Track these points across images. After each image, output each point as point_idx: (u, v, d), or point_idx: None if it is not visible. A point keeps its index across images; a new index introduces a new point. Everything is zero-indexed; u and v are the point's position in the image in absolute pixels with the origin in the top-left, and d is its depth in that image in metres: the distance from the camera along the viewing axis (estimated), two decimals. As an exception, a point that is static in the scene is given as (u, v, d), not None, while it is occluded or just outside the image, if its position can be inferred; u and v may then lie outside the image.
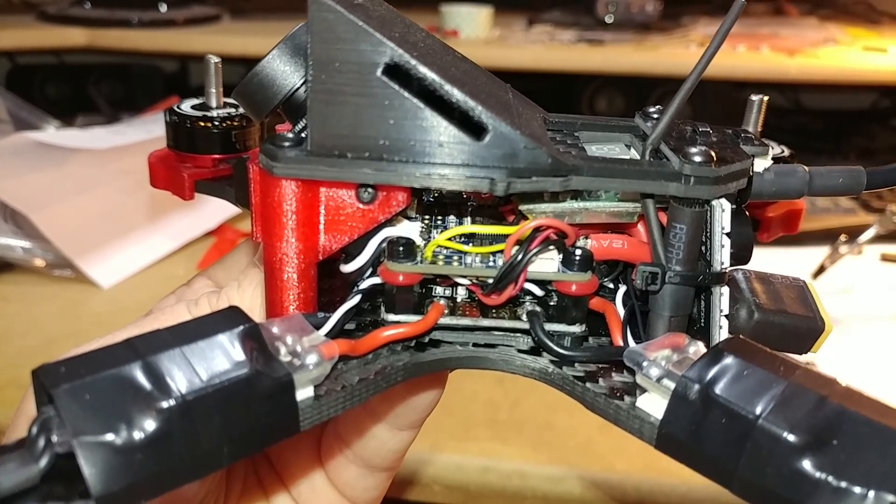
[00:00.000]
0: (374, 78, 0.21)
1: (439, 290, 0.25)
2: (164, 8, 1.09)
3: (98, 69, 1.20)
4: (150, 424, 0.18)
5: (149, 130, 0.82)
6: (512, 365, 0.25)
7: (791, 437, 0.19)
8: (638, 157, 0.25)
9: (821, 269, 0.75)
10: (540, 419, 0.56)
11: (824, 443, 0.19)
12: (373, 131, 0.22)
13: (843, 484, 0.18)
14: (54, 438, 0.18)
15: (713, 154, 0.23)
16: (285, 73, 0.23)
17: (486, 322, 0.25)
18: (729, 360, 0.21)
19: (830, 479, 0.18)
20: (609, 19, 1.08)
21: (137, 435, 0.18)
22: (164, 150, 0.32)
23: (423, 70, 0.21)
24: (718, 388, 0.20)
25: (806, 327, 0.26)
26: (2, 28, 1.03)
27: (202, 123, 0.31)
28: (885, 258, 0.79)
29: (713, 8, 1.22)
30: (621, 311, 0.25)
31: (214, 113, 0.31)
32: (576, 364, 0.24)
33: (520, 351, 0.25)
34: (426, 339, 0.24)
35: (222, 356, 0.20)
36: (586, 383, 0.23)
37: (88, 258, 0.73)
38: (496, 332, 0.25)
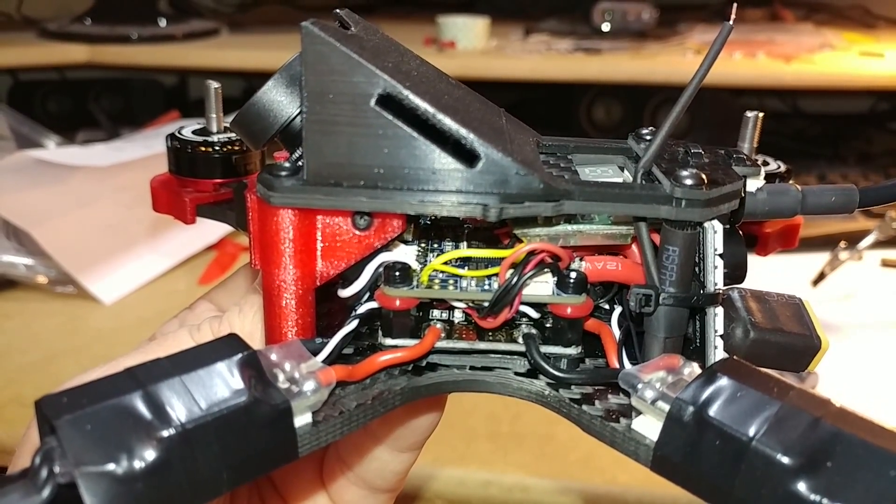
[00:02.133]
0: (367, 108, 0.22)
1: (436, 313, 0.26)
2: (163, 23, 1.10)
3: (98, 84, 1.21)
4: (150, 454, 0.19)
5: (149, 146, 0.82)
6: (509, 388, 0.25)
7: (785, 459, 0.19)
8: (630, 180, 0.25)
9: (821, 276, 0.75)
10: (541, 432, 0.56)
11: (819, 464, 0.19)
12: (367, 160, 0.22)
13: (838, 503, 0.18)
14: (57, 469, 0.18)
15: (704, 177, 0.23)
16: (282, 102, 0.24)
17: (482, 345, 0.25)
18: (723, 381, 0.21)
19: (825, 501, 0.18)
20: (605, 27, 1.08)
21: (138, 464, 0.19)
22: (166, 174, 0.33)
23: (416, 100, 0.22)
24: (712, 411, 0.21)
25: (802, 345, 0.26)
26: (4, 45, 1.04)
27: (203, 148, 0.31)
28: (886, 263, 0.79)
29: (709, 15, 1.22)
30: (617, 333, 0.25)
31: (215, 138, 0.31)
32: (572, 386, 0.24)
33: (516, 374, 0.25)
34: (423, 363, 0.25)
35: (221, 384, 0.20)
36: (582, 405, 0.23)
37: (90, 274, 0.73)
38: (493, 355, 0.25)
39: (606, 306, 0.27)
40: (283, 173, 0.22)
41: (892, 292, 0.75)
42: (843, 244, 0.77)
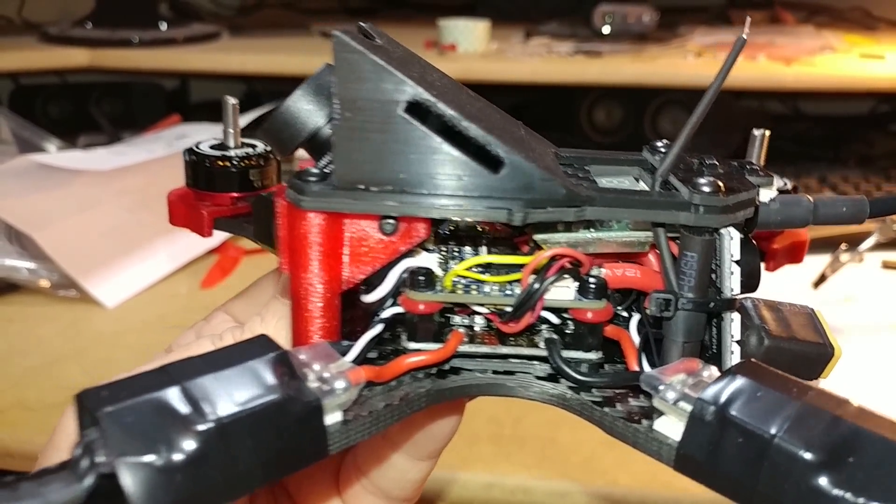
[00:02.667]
0: (395, 115, 0.22)
1: (457, 319, 0.26)
2: (164, 27, 1.10)
3: (99, 88, 1.21)
4: (188, 446, 0.19)
5: (150, 150, 0.82)
6: (530, 391, 0.25)
7: (808, 455, 0.20)
8: (647, 189, 0.26)
9: (822, 278, 0.75)
10: (543, 434, 0.56)
11: (841, 460, 0.19)
12: (395, 166, 0.23)
13: (861, 500, 0.19)
14: (98, 459, 0.19)
15: (721, 184, 0.24)
16: (309, 111, 0.24)
17: (504, 349, 0.25)
18: (742, 382, 0.22)
19: (848, 495, 0.19)
20: (606, 30, 1.08)
21: (177, 456, 0.19)
22: (183, 188, 0.33)
23: (442, 107, 0.23)
24: (734, 409, 0.21)
25: (816, 353, 0.26)
26: (4, 50, 1.04)
27: (221, 163, 0.32)
28: (887, 265, 0.79)
29: (710, 17, 1.23)
30: (636, 339, 0.26)
31: (233, 153, 0.32)
32: (593, 390, 0.24)
33: (538, 378, 0.25)
34: (447, 367, 0.25)
35: (254, 381, 0.21)
36: (604, 408, 0.24)
37: (93, 278, 0.73)
38: (514, 360, 0.26)
39: (625, 314, 0.27)
40: (313, 178, 0.23)
41: (893, 294, 0.75)
42: (843, 246, 0.77)
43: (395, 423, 0.23)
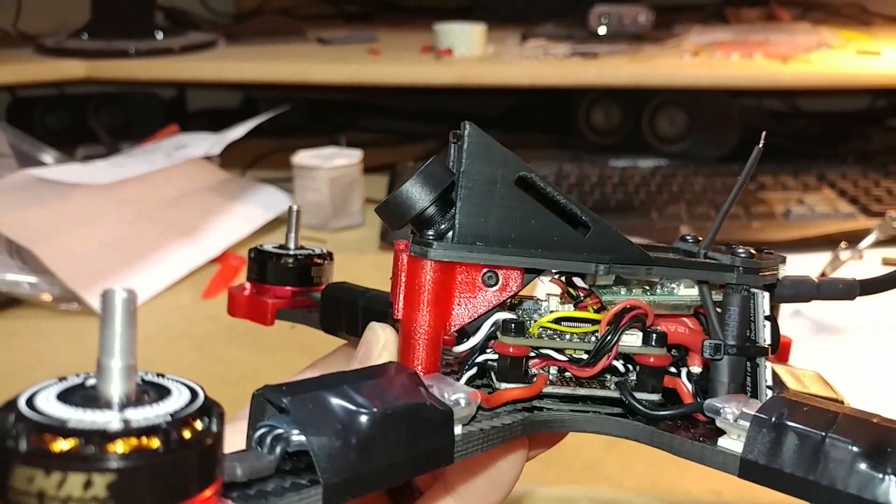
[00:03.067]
0: (510, 187, 0.28)
1: (535, 370, 0.30)
2: (160, 36, 1.10)
3: (96, 99, 1.21)
4: (359, 430, 0.23)
5: (149, 161, 0.83)
6: (607, 426, 0.29)
7: (855, 448, 0.24)
8: (697, 258, 0.32)
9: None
10: (547, 439, 0.56)
11: (882, 450, 0.24)
12: (504, 226, 0.28)
13: None
14: (289, 437, 0.22)
15: (753, 252, 0.30)
16: (419, 195, 0.29)
17: (582, 391, 0.29)
18: (788, 401, 0.26)
19: (894, 477, 0.23)
20: (602, 31, 1.08)
21: (352, 437, 0.22)
22: (242, 284, 0.40)
23: (542, 183, 0.28)
24: (787, 419, 0.25)
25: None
26: (1, 63, 1.04)
27: (284, 259, 0.38)
28: (887, 262, 0.79)
29: (705, 16, 1.23)
30: (689, 386, 0.30)
31: (294, 252, 0.39)
32: (659, 423, 0.29)
33: (609, 415, 0.29)
34: (531, 406, 0.29)
35: (400, 388, 0.25)
36: (674, 434, 0.28)
37: (94, 291, 0.73)
38: (588, 403, 0.30)
39: (674, 370, 0.31)
40: (432, 236, 0.28)
41: (893, 291, 0.75)
42: (843, 244, 0.77)
43: (499, 444, 0.27)
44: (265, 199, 0.93)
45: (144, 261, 0.78)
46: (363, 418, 0.23)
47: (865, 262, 0.78)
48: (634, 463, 0.54)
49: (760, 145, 0.29)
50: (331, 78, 1.01)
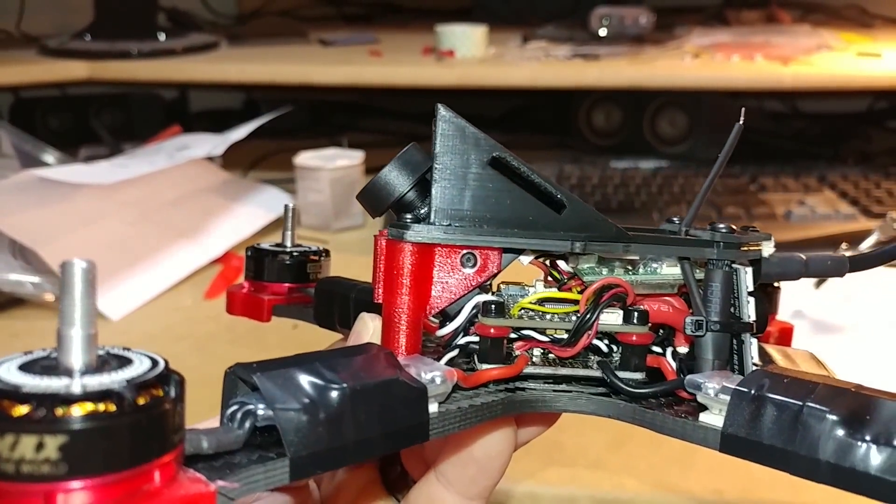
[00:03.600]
0: (483, 167, 0.28)
1: (518, 351, 0.30)
2: (162, 37, 1.10)
3: (99, 99, 1.21)
4: (329, 405, 0.23)
5: (152, 162, 0.83)
6: (589, 405, 0.29)
7: (834, 416, 0.24)
8: (677, 234, 0.32)
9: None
10: (549, 439, 0.56)
11: (861, 418, 0.23)
12: (480, 207, 0.28)
13: (883, 445, 0.23)
14: (252, 409, 0.22)
15: (734, 227, 0.29)
16: (398, 180, 0.29)
17: (563, 371, 0.30)
18: (770, 374, 0.26)
19: (872, 444, 0.23)
20: (603, 32, 1.09)
21: (320, 412, 0.23)
22: (241, 282, 0.40)
23: (516, 162, 0.29)
24: (766, 391, 0.25)
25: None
26: (4, 63, 1.05)
27: (280, 257, 0.39)
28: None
29: (706, 17, 1.23)
30: (672, 364, 0.30)
31: (290, 249, 0.39)
32: (641, 401, 0.29)
33: (592, 394, 0.29)
34: (513, 386, 0.29)
35: (374, 365, 0.25)
36: (655, 411, 0.28)
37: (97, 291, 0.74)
38: (570, 383, 0.30)
39: (659, 350, 0.31)
40: (409, 220, 0.29)
41: (894, 292, 0.75)
42: (844, 245, 0.77)
43: (479, 423, 0.27)
44: (267, 200, 0.93)
45: (147, 261, 0.79)
46: (333, 394, 0.23)
47: (866, 264, 0.79)
48: (637, 463, 0.54)
49: (741, 122, 0.29)
50: (333, 79, 1.01)
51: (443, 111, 0.28)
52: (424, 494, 0.31)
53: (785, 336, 0.37)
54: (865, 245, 0.77)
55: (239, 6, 1.45)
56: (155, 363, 0.20)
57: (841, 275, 0.32)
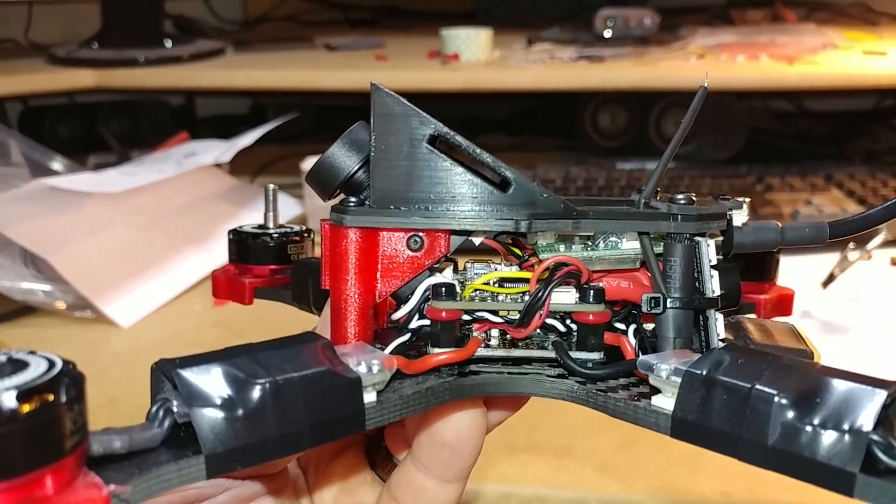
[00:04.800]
0: (421, 146, 0.27)
1: (476, 333, 0.29)
2: (169, 44, 1.11)
3: (107, 107, 1.22)
4: (248, 401, 0.23)
5: (160, 170, 0.83)
6: (542, 388, 0.28)
7: (782, 399, 0.23)
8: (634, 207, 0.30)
9: (831, 278, 0.75)
10: (558, 443, 0.57)
11: (810, 401, 0.22)
12: (421, 188, 0.27)
13: (830, 429, 0.22)
14: (173, 408, 0.22)
15: (693, 198, 0.28)
16: (345, 158, 0.29)
17: (517, 353, 0.29)
18: (725, 353, 0.25)
19: (819, 428, 0.22)
20: (608, 34, 1.09)
21: (238, 408, 0.23)
22: (227, 265, 0.39)
23: (459, 139, 0.27)
24: (718, 373, 0.24)
25: (797, 357, 0.29)
26: (13, 73, 1.05)
27: (261, 239, 0.38)
28: (895, 262, 0.80)
29: (710, 17, 1.23)
30: (633, 343, 0.29)
31: (272, 231, 0.38)
32: (598, 382, 0.27)
33: (548, 376, 0.28)
34: (467, 370, 0.28)
35: (305, 357, 0.25)
36: (608, 394, 0.27)
37: (107, 298, 0.74)
38: (526, 365, 0.29)
39: (623, 326, 0.30)
40: (352, 204, 0.27)
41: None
42: (851, 245, 0.77)
43: (422, 411, 0.26)
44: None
45: (156, 268, 0.79)
46: (253, 388, 0.23)
47: (874, 263, 0.79)
48: (646, 465, 0.54)
49: (705, 84, 0.28)
50: (339, 84, 1.02)
51: (375, 90, 0.27)
52: (404, 480, 0.31)
53: (784, 303, 0.36)
54: (873, 244, 0.77)
55: (245, 12, 1.46)
56: (52, 366, 0.20)
57: (822, 242, 0.30)
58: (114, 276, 0.76)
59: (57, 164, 0.95)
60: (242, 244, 0.38)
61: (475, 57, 1.02)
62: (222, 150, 0.89)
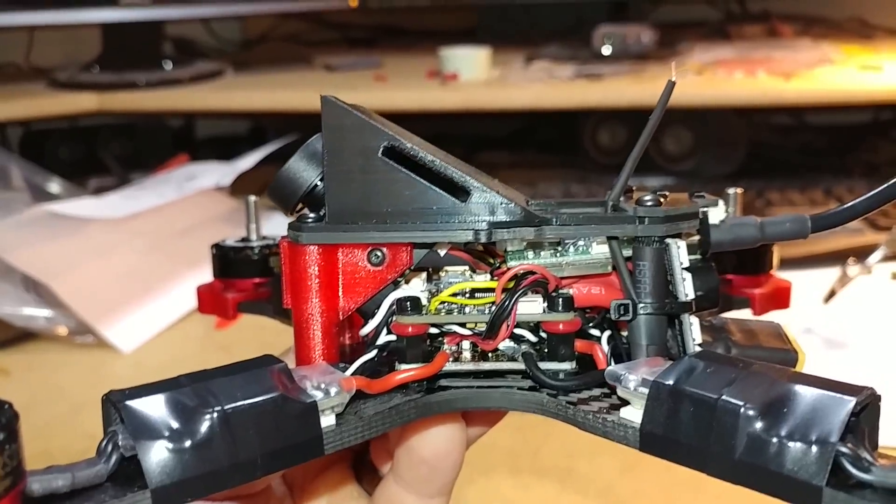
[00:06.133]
0: (375, 158, 0.26)
1: (446, 347, 0.29)
2: (168, 66, 1.12)
3: (107, 130, 1.23)
4: (196, 432, 0.22)
5: (160, 194, 0.84)
6: (513, 401, 0.27)
7: (748, 410, 0.22)
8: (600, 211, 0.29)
9: (831, 294, 0.75)
10: (561, 465, 0.57)
11: (777, 411, 0.21)
12: (378, 201, 0.27)
13: (797, 441, 0.21)
14: (120, 443, 0.22)
15: (661, 200, 0.27)
16: (304, 171, 0.28)
17: (486, 366, 0.28)
18: (694, 362, 0.24)
19: (785, 439, 0.21)
20: (606, 51, 1.09)
21: (186, 440, 0.22)
22: (212, 281, 0.38)
23: (414, 149, 0.27)
24: (686, 384, 0.23)
25: (781, 358, 0.28)
26: (15, 97, 1.06)
27: (243, 253, 0.37)
28: (896, 277, 0.80)
29: (708, 32, 1.23)
30: (606, 350, 0.28)
31: (254, 244, 0.37)
32: (569, 393, 0.27)
33: (519, 388, 0.28)
34: (435, 385, 0.27)
35: (258, 383, 0.24)
36: (578, 407, 0.26)
37: (108, 324, 0.74)
38: (497, 378, 0.28)
39: (597, 332, 0.29)
40: (309, 220, 0.27)
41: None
42: (851, 260, 0.77)
43: (386, 431, 0.26)
44: (275, 227, 0.93)
45: (158, 292, 0.79)
46: (202, 419, 0.22)
47: (874, 278, 0.79)
48: (648, 488, 0.54)
49: (673, 78, 0.28)
50: (338, 105, 1.02)
51: (325, 102, 0.26)
52: (385, 497, 0.30)
53: (781, 296, 0.34)
54: (873, 259, 0.77)
55: (243, 32, 1.46)
56: None
57: (804, 236, 0.28)
58: (115, 300, 0.76)
59: (57, 188, 0.96)
60: (224, 258, 0.37)
61: (474, 76, 1.03)
62: (223, 173, 0.90)
